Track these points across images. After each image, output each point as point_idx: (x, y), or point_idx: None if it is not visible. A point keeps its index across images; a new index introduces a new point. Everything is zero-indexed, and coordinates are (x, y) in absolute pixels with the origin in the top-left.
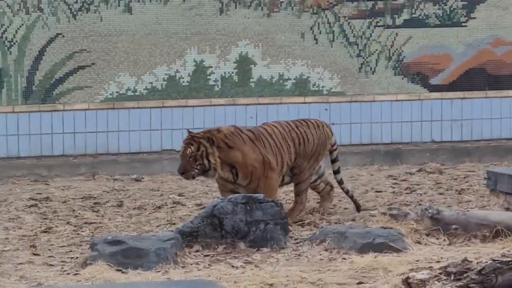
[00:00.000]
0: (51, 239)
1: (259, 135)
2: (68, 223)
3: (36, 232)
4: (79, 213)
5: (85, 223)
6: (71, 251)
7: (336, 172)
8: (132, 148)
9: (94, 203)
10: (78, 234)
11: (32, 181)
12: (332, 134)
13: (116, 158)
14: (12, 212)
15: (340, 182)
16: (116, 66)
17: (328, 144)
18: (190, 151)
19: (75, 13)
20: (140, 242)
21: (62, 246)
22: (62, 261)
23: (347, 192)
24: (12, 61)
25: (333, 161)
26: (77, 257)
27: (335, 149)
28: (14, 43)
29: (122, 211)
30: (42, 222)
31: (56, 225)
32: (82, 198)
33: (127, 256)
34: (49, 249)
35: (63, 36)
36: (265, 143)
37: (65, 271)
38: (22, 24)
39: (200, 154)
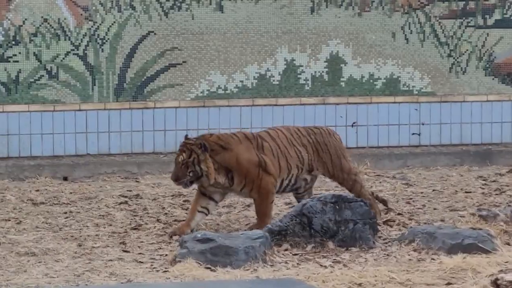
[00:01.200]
0: (141, 236)
1: (257, 136)
2: (158, 220)
3: (126, 229)
4: (168, 211)
5: (175, 220)
6: (160, 248)
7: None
8: None
9: (184, 201)
10: (167, 231)
11: (122, 178)
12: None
13: None
14: (102, 209)
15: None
16: (207, 65)
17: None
18: (182, 158)
19: (166, 11)
20: (229, 240)
21: (151, 243)
22: (151, 258)
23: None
24: (104, 59)
25: None
26: (166, 254)
27: None
28: (106, 41)
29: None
30: (132, 219)
31: (146, 222)
32: (172, 195)
33: (216, 254)
34: (139, 246)
35: (155, 34)
36: (264, 145)
37: (154, 268)
38: (114, 22)
39: (192, 161)
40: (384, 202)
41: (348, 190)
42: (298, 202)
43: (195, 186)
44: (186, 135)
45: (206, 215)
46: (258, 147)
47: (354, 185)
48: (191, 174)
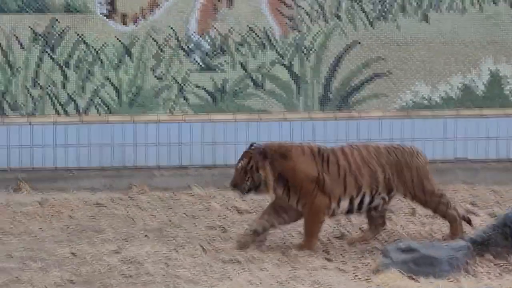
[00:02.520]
0: (344, 245)
1: (325, 151)
2: (360, 229)
3: (329, 238)
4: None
5: None
6: (363, 257)
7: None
8: (427, 156)
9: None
10: (370, 240)
11: None
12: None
13: None
14: None
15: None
16: (412, 75)
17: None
18: (242, 164)
19: (372, 21)
20: (432, 250)
21: (354, 252)
22: (354, 267)
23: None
24: (309, 68)
25: None
26: (369, 264)
27: None
28: (312, 50)
29: (415, 219)
30: (335, 228)
31: (349, 231)
32: None
33: (419, 264)
34: (342, 255)
35: (360, 43)
36: (330, 160)
37: (357, 276)
38: (320, 32)
39: (250, 167)
40: (468, 221)
41: (432, 212)
42: (369, 221)
43: (253, 195)
44: (252, 143)
45: (271, 226)
46: (323, 162)
47: (438, 206)
48: (249, 181)
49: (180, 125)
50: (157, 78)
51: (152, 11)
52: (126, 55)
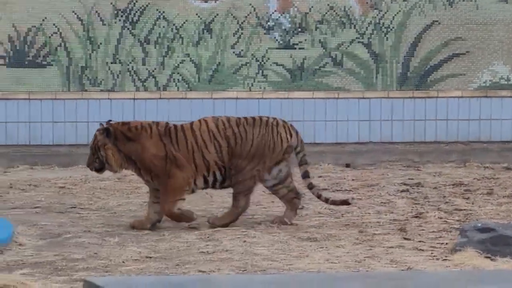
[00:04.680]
0: (422, 224)
1: (172, 129)
2: (438, 209)
3: (407, 217)
4: (449, 200)
5: (455, 209)
6: (440, 236)
7: (304, 176)
8: (503, 136)
9: (465, 190)
10: (447, 220)
11: (404, 166)
12: (291, 136)
13: (487, 146)
14: (384, 196)
15: (310, 187)
16: (490, 55)
17: (280, 146)
18: (90, 144)
19: (451, 0)
20: (510, 230)
21: (432, 232)
22: (431, 247)
23: (319, 197)
24: (388, 47)
25: (300, 165)
26: (446, 243)
27: (299, 152)
28: (391, 29)
29: (492, 199)
30: (413, 207)
31: (427, 211)
32: (452, 184)
33: (496, 243)
34: (419, 234)
35: (439, 23)
36: (179, 140)
37: (434, 256)
38: (400, 11)
39: (95, 146)
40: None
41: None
42: (282, 200)
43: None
44: (109, 120)
45: None
46: (171, 140)
47: (239, 184)
48: (97, 160)
49: (258, 102)
50: (237, 55)
51: None
52: (206, 32)
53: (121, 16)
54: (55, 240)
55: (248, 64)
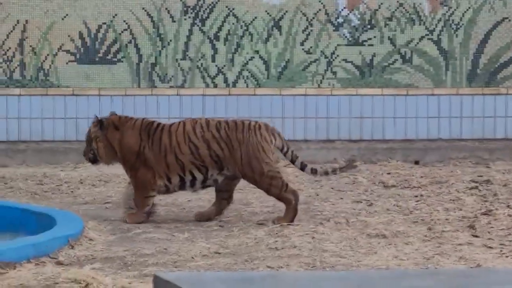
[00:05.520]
0: (491, 221)
1: (153, 128)
2: (508, 206)
3: (476, 214)
4: None
5: None
6: (510, 234)
7: (302, 168)
8: None
9: None
10: None
11: (473, 163)
12: (275, 139)
13: None
14: (453, 193)
15: (313, 172)
16: None
17: (267, 147)
18: (86, 135)
19: None
20: None
21: (501, 229)
22: (501, 244)
23: (326, 173)
24: (457, 44)
25: (292, 161)
26: None
27: (287, 151)
28: (461, 26)
29: None
30: (482, 204)
31: (496, 208)
32: None
33: None
34: (489, 232)
35: (510, 20)
36: (154, 139)
37: (503, 253)
38: (469, 8)
39: (89, 137)
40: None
41: (266, 193)
42: (216, 196)
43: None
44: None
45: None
46: (148, 138)
47: (269, 188)
48: (91, 152)
49: (327, 99)
50: (306, 52)
51: None
52: (275, 29)
53: (191, 13)
54: (125, 236)
55: (317, 61)
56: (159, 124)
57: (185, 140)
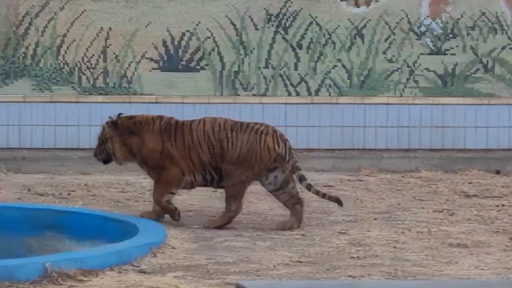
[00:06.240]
0: None
1: (173, 126)
2: None
3: None
4: None
5: None
6: None
7: (300, 180)
8: None
9: None
10: None
11: None
12: (279, 146)
13: None
14: None
15: (308, 188)
16: None
17: (268, 154)
18: (99, 134)
19: None
20: None
21: None
22: None
23: (317, 193)
24: None
25: (293, 172)
26: None
27: (289, 160)
28: None
29: None
30: None
31: None
32: None
33: None
34: None
35: None
36: (177, 137)
37: None
38: None
39: (103, 138)
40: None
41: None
42: (285, 205)
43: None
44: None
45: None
46: (170, 137)
47: (229, 188)
48: (104, 152)
49: (409, 108)
50: (388, 61)
51: None
52: (358, 37)
53: (274, 21)
54: (207, 244)
55: (399, 70)
56: (177, 121)
57: (205, 138)
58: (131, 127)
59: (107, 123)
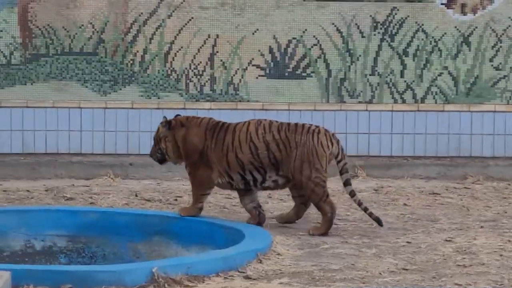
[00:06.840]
0: None
1: (216, 127)
2: None
3: None
4: None
5: None
6: None
7: (345, 184)
8: None
9: None
10: None
11: None
12: (333, 144)
13: None
14: None
15: (351, 194)
16: None
17: (321, 152)
18: (154, 134)
19: None
20: None
21: None
22: None
23: (359, 205)
24: None
25: (341, 173)
26: None
27: (340, 160)
28: None
29: None
30: None
31: None
32: None
33: None
34: None
35: None
36: (218, 138)
37: None
38: None
39: (157, 137)
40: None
41: (308, 198)
42: (297, 208)
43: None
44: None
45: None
46: (212, 137)
47: (311, 194)
48: (159, 151)
49: None
50: (495, 69)
51: (492, 1)
52: (464, 45)
53: (380, 28)
54: (313, 251)
55: (506, 77)
56: (224, 123)
57: (247, 139)
58: (183, 121)
59: (161, 123)
